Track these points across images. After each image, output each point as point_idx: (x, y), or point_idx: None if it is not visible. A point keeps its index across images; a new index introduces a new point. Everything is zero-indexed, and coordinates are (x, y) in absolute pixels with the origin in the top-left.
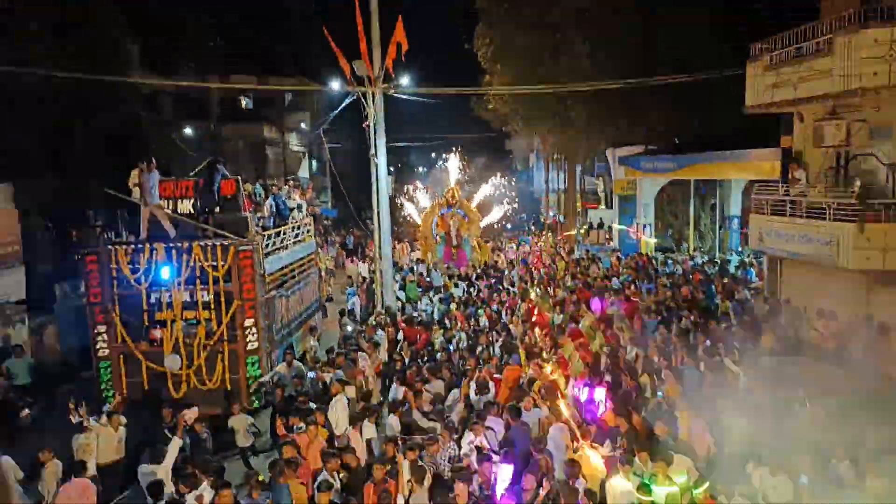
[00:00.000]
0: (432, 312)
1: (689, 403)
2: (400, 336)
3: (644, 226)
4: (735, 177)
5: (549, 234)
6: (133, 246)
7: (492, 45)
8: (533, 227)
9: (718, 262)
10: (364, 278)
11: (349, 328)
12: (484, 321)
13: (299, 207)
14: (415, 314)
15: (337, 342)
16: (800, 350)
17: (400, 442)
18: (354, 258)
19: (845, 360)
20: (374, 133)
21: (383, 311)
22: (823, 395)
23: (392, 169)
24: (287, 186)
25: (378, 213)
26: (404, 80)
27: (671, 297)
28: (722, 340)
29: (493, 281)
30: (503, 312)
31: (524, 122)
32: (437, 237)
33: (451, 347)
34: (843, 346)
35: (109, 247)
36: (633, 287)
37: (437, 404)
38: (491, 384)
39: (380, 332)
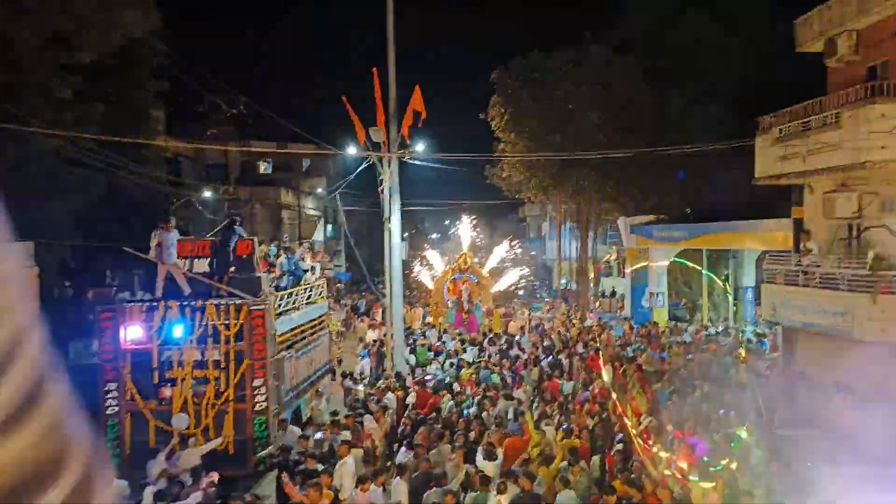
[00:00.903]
0: (443, 378)
1: (702, 475)
2: (410, 399)
3: (657, 295)
4: (747, 246)
5: (562, 302)
6: (147, 304)
7: (505, 114)
8: (545, 295)
9: (732, 332)
10: (375, 341)
11: (359, 388)
12: (496, 379)
13: (312, 269)
14: (427, 378)
15: (343, 404)
16: (813, 423)
17: None
18: (366, 318)
19: (863, 434)
20: (389, 198)
21: (393, 375)
22: (834, 468)
23: (406, 235)
24: (301, 248)
25: (390, 277)
26: (419, 147)
27: (684, 366)
28: (736, 410)
29: (504, 346)
30: (512, 377)
31: (537, 190)
32: (449, 302)
33: (466, 413)
34: (861, 419)
35: (124, 304)
36: (645, 356)
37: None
38: (499, 451)
39: (389, 395)
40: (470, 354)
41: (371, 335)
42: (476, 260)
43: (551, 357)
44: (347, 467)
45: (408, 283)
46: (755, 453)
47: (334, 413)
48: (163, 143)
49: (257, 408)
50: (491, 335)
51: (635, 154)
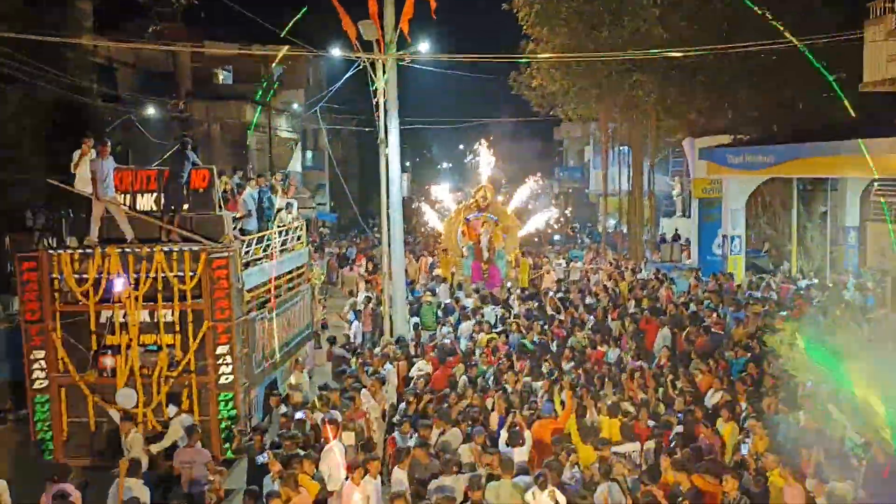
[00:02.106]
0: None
1: (783, 461)
2: (415, 371)
3: (732, 239)
4: (852, 174)
5: (609, 249)
6: (80, 251)
7: (536, 2)
8: (588, 240)
9: (831, 285)
10: (368, 298)
11: (350, 357)
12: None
13: (288, 208)
14: (445, 341)
15: (331, 378)
16: None
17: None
18: (356, 266)
19: None
20: (385, 115)
21: (394, 341)
22: None
23: (408, 164)
24: (273, 181)
25: (388, 217)
26: (423, 47)
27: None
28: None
29: (534, 305)
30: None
31: (577, 103)
32: (464, 249)
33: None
34: None
35: (51, 252)
36: (715, 316)
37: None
38: (527, 434)
39: (388, 365)
40: (491, 314)
41: (360, 293)
42: (498, 196)
43: (594, 319)
44: (335, 453)
45: (410, 225)
46: (849, 432)
47: (323, 387)
48: (90, 42)
49: (222, 381)
50: (519, 290)
51: (706, 54)
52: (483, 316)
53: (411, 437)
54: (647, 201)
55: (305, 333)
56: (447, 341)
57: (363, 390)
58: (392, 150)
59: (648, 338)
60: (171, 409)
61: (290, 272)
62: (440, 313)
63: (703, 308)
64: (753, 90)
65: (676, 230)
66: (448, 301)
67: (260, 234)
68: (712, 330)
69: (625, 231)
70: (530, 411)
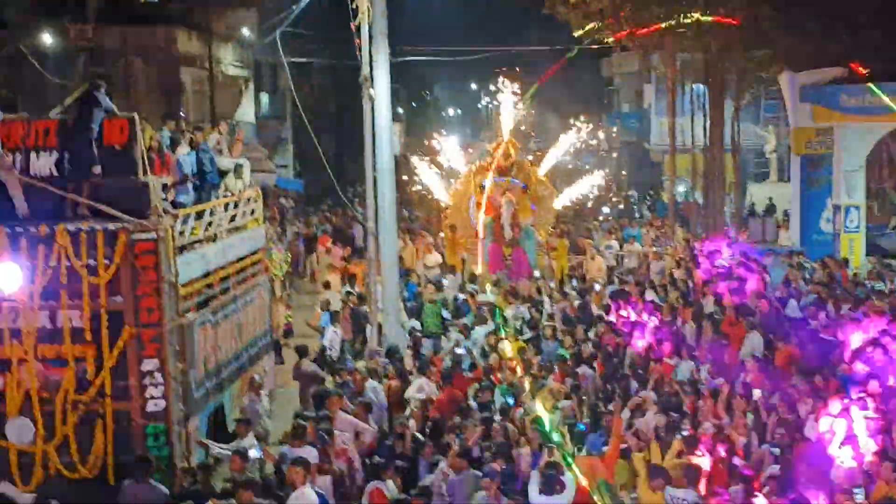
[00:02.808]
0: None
1: None
2: (411, 393)
3: (847, 211)
4: None
5: (678, 226)
6: None
7: None
8: (648, 213)
9: None
10: (349, 295)
11: (323, 374)
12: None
13: (238, 171)
14: (459, 351)
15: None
16: None
17: None
18: (334, 249)
19: None
20: (370, 43)
21: (383, 352)
22: None
23: (402, 111)
24: (217, 135)
25: (375, 184)
26: None
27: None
28: None
29: (575, 303)
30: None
31: (632, 27)
32: (479, 227)
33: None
34: None
35: None
36: (823, 316)
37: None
38: (568, 479)
39: (374, 384)
40: (517, 316)
41: (333, 284)
42: (527, 154)
43: (658, 321)
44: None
45: (405, 194)
46: None
47: (299, 415)
48: None
49: (150, 408)
50: (554, 283)
51: None
52: (506, 318)
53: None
54: (730, 160)
55: (263, 343)
56: (459, 351)
57: (343, 418)
58: (380, 92)
59: (732, 346)
60: None
61: (241, 259)
62: (447, 314)
63: (808, 306)
64: (874, 9)
65: (770, 199)
66: (459, 297)
67: (200, 208)
68: (820, 335)
69: (700, 201)
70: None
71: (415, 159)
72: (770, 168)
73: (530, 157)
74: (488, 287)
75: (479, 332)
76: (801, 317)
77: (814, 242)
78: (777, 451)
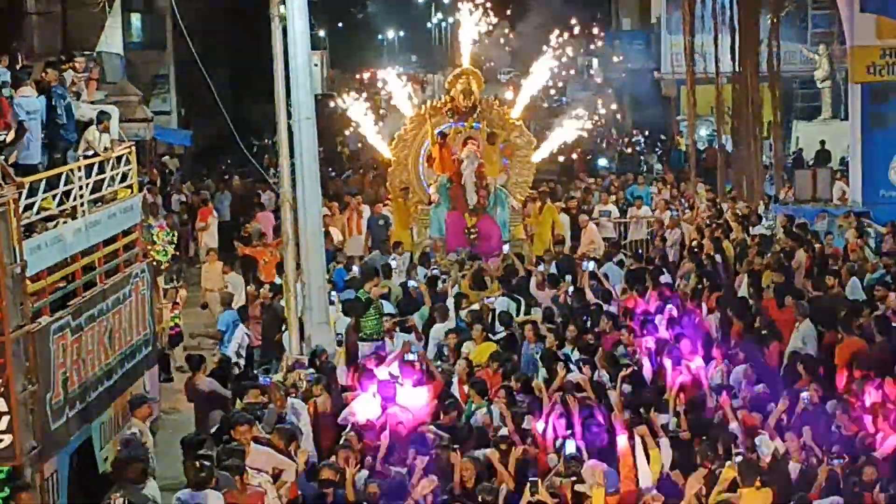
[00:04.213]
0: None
1: None
2: (348, 414)
3: None
4: None
5: (700, 182)
6: None
7: None
8: (660, 165)
9: None
10: (259, 286)
11: (225, 393)
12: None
13: (102, 120)
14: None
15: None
16: None
17: None
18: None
19: None
20: None
21: (306, 359)
22: None
23: (324, 36)
24: (72, 70)
25: (291, 133)
26: None
27: None
28: None
29: (568, 291)
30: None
31: None
32: (432, 189)
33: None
34: None
35: None
36: (894, 298)
37: None
38: None
39: (296, 404)
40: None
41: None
42: (492, 93)
43: (675, 309)
44: None
45: (331, 148)
46: None
47: (191, 445)
48: None
49: None
50: (544, 259)
51: None
52: (471, 311)
53: None
54: (767, 92)
55: (143, 354)
56: (410, 357)
57: (257, 452)
58: (295, 9)
59: (775, 340)
60: None
61: (110, 242)
62: (391, 307)
63: (875, 284)
64: None
65: (822, 144)
66: (410, 284)
67: (52, 172)
68: (893, 323)
69: (729, 148)
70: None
71: (344, 100)
72: (822, 102)
73: (497, 95)
74: (449, 270)
75: (437, 329)
76: (865, 298)
77: (881, 201)
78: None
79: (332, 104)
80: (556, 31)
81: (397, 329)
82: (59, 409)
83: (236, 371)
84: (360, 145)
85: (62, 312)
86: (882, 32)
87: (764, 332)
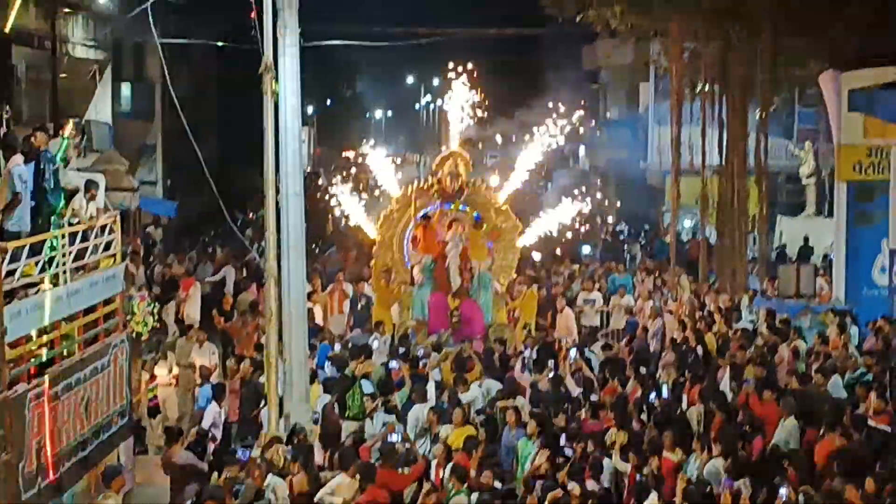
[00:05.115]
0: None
1: None
2: (326, 494)
3: None
4: None
5: (683, 273)
6: None
7: None
8: (642, 253)
9: None
10: (239, 360)
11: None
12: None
13: (90, 189)
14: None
15: None
16: None
17: None
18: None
19: None
20: (274, 21)
21: (284, 436)
22: None
23: (312, 112)
24: (64, 137)
25: (278, 208)
26: None
27: None
28: None
29: (550, 375)
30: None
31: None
32: (417, 269)
33: None
34: None
35: None
36: (875, 398)
37: None
38: None
39: (274, 481)
40: (473, 392)
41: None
42: (481, 172)
43: (656, 401)
44: None
45: (317, 223)
46: None
47: None
48: None
49: None
50: (526, 345)
51: None
52: (452, 396)
53: None
54: (753, 185)
55: (119, 425)
56: (393, 440)
57: None
58: (288, 85)
59: (758, 434)
60: None
61: (91, 311)
62: (370, 387)
63: (856, 383)
64: None
65: (806, 239)
66: (392, 365)
67: (36, 239)
68: (871, 424)
69: (712, 240)
70: None
71: (330, 176)
72: (806, 198)
73: (484, 181)
74: (431, 353)
75: (416, 411)
76: (845, 396)
77: (864, 298)
78: None
79: (317, 181)
80: (544, 117)
81: (380, 409)
82: (32, 478)
83: (212, 446)
84: (344, 223)
85: (39, 380)
86: (869, 132)
87: (746, 426)
